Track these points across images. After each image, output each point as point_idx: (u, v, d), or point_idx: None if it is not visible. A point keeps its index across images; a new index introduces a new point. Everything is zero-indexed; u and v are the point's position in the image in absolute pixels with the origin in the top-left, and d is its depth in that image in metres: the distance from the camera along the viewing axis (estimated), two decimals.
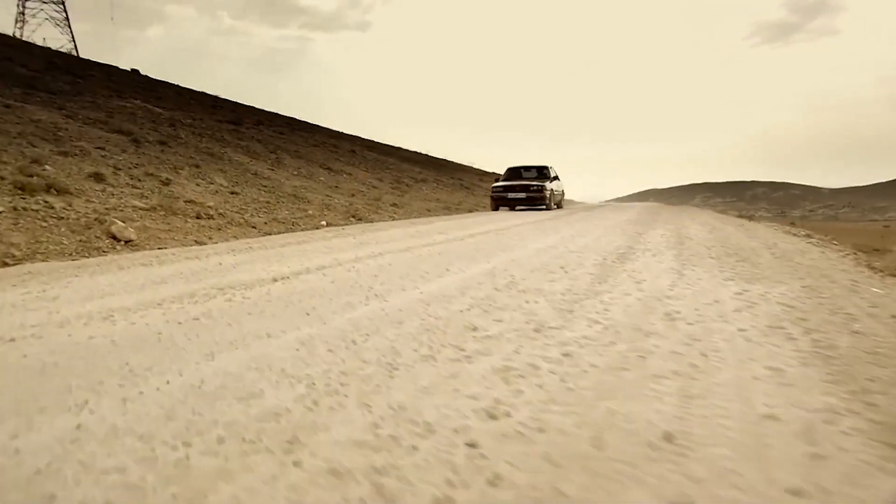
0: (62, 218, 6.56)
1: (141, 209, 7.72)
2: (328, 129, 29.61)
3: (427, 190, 19.91)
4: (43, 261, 5.29)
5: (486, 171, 35.13)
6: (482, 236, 7.19)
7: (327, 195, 12.97)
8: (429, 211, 14.79)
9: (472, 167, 35.48)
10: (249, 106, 26.23)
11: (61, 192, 7.33)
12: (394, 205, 14.10)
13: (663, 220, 11.07)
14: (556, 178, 18.27)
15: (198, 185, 10.14)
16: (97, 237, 6.41)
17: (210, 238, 7.51)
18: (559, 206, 18.58)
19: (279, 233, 8.46)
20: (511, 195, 16.70)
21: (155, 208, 7.89)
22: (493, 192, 17.15)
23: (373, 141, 31.71)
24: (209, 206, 8.73)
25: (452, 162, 36.05)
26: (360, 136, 30.96)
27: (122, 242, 6.49)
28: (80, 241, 6.18)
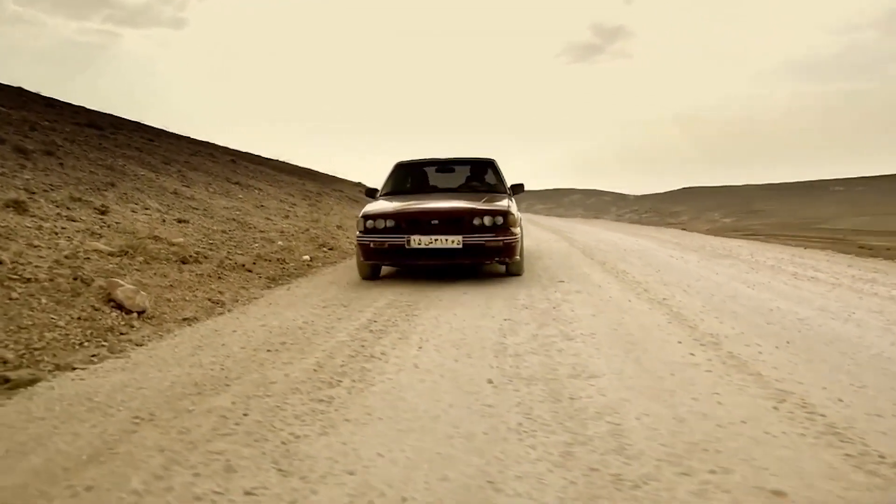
0: (28, 280, 4.25)
1: (109, 254, 5.44)
2: (186, 136, 26.18)
3: (339, 206, 17.92)
4: (65, 368, 3.18)
5: (358, 182, 33.25)
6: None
7: (267, 218, 10.79)
8: None
9: (343, 178, 33.39)
10: (74, 105, 22.25)
11: None
12: (339, 227, 12.16)
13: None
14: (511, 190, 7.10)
15: (134, 211, 7.71)
16: (95, 308, 4.25)
17: (221, 294, 5.47)
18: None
19: (277, 277, 6.50)
20: (418, 240, 5.42)
21: (126, 252, 5.62)
22: (364, 229, 5.79)
23: (237, 150, 28.64)
24: (180, 244, 6.50)
25: (318, 172, 33.77)
26: (215, 143, 27.69)
27: (135, 315, 4.34)
28: (80, 319, 4.01)
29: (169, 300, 4.87)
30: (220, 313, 4.88)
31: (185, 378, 2.95)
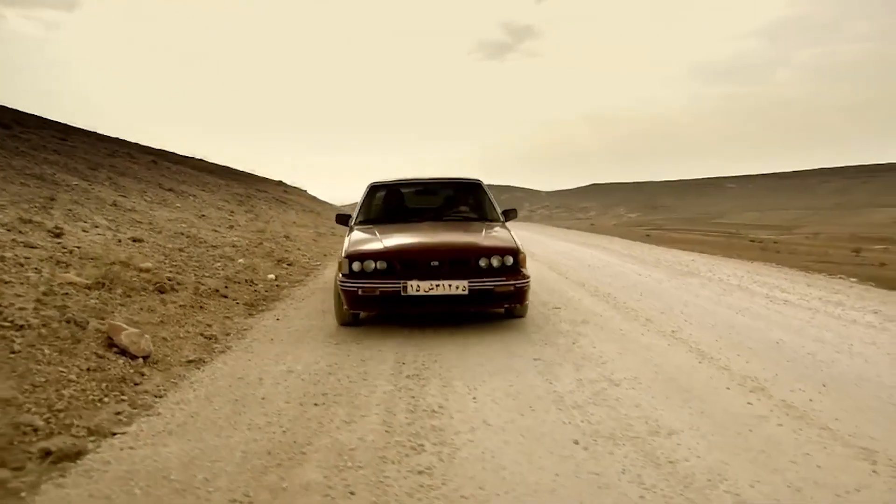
0: (21, 327, 3.97)
1: (86, 287, 5.13)
2: (94, 132, 24.62)
3: (273, 211, 17.43)
4: (100, 432, 3.02)
5: (279, 181, 32.35)
6: None
7: (214, 230, 10.39)
8: (319, 238, 12.73)
9: (263, 177, 32.36)
10: None
11: None
12: (286, 237, 11.85)
13: None
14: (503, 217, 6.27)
15: (86, 231, 7.26)
16: (100, 356, 4.05)
17: (209, 326, 5.28)
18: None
19: (254, 302, 6.35)
20: (416, 286, 4.60)
21: (102, 283, 5.31)
22: (350, 272, 4.77)
23: (150, 147, 27.25)
24: (149, 270, 6.20)
25: (236, 170, 32.63)
26: (125, 139, 26.18)
27: (141, 360, 4.13)
28: (89, 371, 3.80)
29: (165, 339, 4.64)
30: (221, 351, 4.70)
31: (252, 445, 2.84)
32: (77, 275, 5.32)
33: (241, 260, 8.29)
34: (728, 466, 2.42)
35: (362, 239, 5.20)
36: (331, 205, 35.70)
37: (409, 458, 2.66)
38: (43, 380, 3.50)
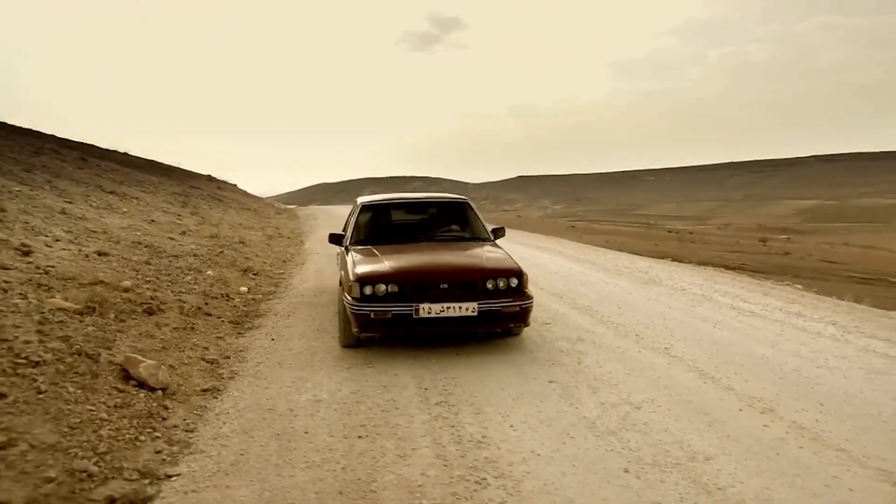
0: (37, 363, 3.92)
1: (78, 313, 5.04)
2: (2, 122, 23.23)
3: (215, 211, 17.02)
4: (153, 475, 3.09)
5: (209, 176, 31.41)
6: None
7: (170, 238, 10.15)
8: (270, 241, 12.54)
9: (192, 172, 31.33)
10: None
11: None
12: (241, 242, 11.66)
13: None
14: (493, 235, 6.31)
15: (49, 246, 7.02)
16: (120, 390, 4.08)
17: (206, 349, 5.29)
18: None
19: (238, 320, 6.39)
20: (427, 308, 4.73)
21: (92, 308, 5.23)
22: (361, 296, 4.81)
23: (68, 140, 25.93)
24: (129, 289, 6.09)
25: (161, 163, 31.47)
26: (40, 130, 24.81)
27: (160, 392, 4.13)
28: (117, 408, 3.82)
29: (173, 367, 4.65)
30: (229, 377, 4.74)
31: (320, 484, 2.96)
32: (64, 299, 5.20)
33: (209, 272, 8.18)
34: (772, 492, 2.74)
35: (366, 261, 5.25)
36: (262, 199, 35.01)
37: (479, 493, 2.85)
38: (77, 420, 3.49)
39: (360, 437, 3.51)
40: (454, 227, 6.28)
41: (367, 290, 4.81)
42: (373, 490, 2.91)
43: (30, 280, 5.39)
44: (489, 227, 6.25)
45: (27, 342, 4.12)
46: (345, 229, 7.26)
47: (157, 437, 3.63)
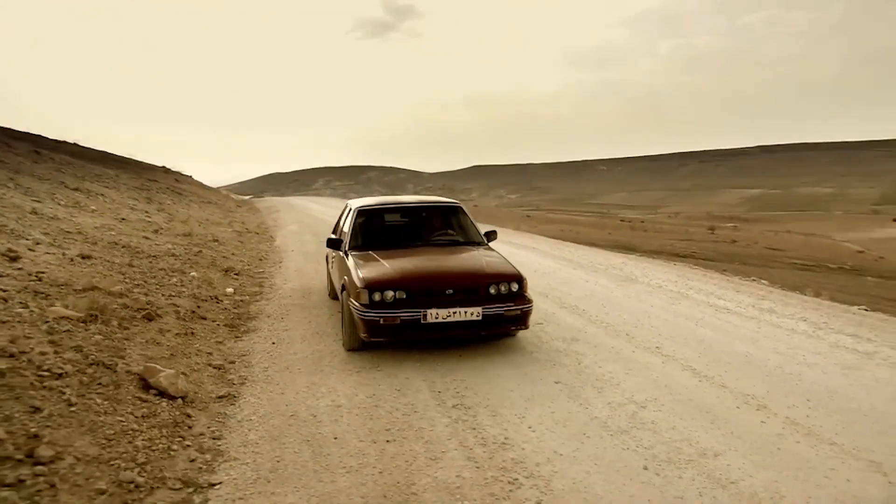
0: (61, 375, 4.02)
1: (81, 321, 5.10)
2: None
3: (179, 206, 16.78)
4: (195, 484, 3.24)
5: (164, 167, 30.74)
6: None
7: (145, 237, 10.07)
8: (241, 238, 12.50)
9: (145, 163, 30.61)
10: None
11: None
12: (215, 240, 11.60)
13: None
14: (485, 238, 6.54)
15: (32, 250, 6.97)
16: (143, 400, 4.20)
17: (210, 354, 5.41)
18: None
19: (232, 323, 6.50)
20: (435, 314, 4.94)
21: (94, 316, 5.30)
22: (370, 302, 4.98)
23: (13, 130, 25.08)
24: (121, 293, 6.13)
25: (113, 154, 30.68)
26: None
27: (179, 400, 4.25)
28: (144, 417, 3.96)
29: (185, 374, 4.74)
30: (240, 383, 4.87)
31: (363, 489, 3.15)
32: (65, 307, 5.24)
33: (193, 273, 8.20)
34: (780, 484, 3.05)
35: (370, 267, 5.37)
36: (220, 191, 34.48)
37: (514, 492, 3.08)
38: (112, 432, 3.60)
39: (387, 441, 3.70)
40: (449, 231, 6.47)
41: (376, 296, 4.98)
42: (413, 493, 3.11)
43: (26, 288, 5.39)
44: (482, 231, 6.46)
45: (43, 353, 4.18)
46: (334, 231, 7.40)
47: (188, 445, 3.75)
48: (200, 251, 9.93)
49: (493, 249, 6.08)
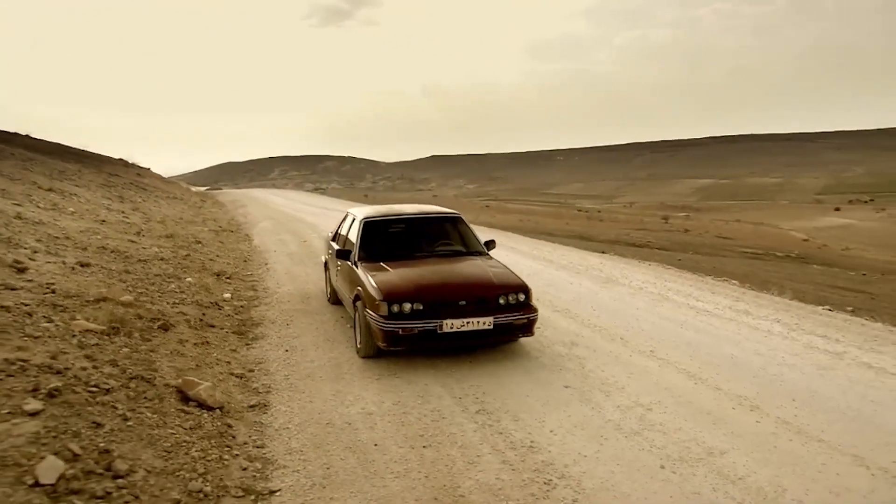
0: (108, 390, 4.24)
1: (104, 334, 5.32)
2: None
3: (150, 203, 16.67)
4: (255, 492, 3.54)
5: (121, 160, 30.24)
6: None
7: (130, 241, 10.15)
8: (220, 237, 12.60)
9: (110, 158, 30.06)
10: None
11: None
12: (198, 241, 11.69)
13: None
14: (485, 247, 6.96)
15: (33, 259, 7.07)
16: (185, 412, 4.47)
17: (229, 363, 5.66)
18: None
19: (240, 330, 6.73)
20: (450, 324, 5.32)
21: (115, 329, 5.50)
22: (389, 314, 5.34)
23: None
24: (132, 304, 6.31)
25: (68, 147, 30.04)
26: None
27: (217, 411, 4.52)
28: (191, 429, 4.23)
29: (214, 385, 4.97)
30: (265, 391, 5.15)
31: (413, 493, 3.50)
32: (86, 320, 5.43)
33: (188, 279, 8.37)
34: (781, 479, 3.51)
35: (385, 279, 5.69)
36: (180, 184, 34.04)
37: (551, 492, 3.48)
38: (168, 444, 3.87)
39: (424, 446, 4.05)
40: (451, 240, 6.86)
41: (395, 308, 5.34)
42: (461, 495, 3.48)
43: (43, 301, 5.55)
44: (482, 240, 6.83)
45: (84, 368, 4.40)
46: (334, 239, 7.71)
47: (237, 454, 4.04)
48: (189, 254, 10.05)
49: (493, 259, 6.46)
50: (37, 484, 2.99)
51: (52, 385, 3.85)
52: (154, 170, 34.34)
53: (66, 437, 3.43)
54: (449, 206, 7.93)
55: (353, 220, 7.00)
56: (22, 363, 4.09)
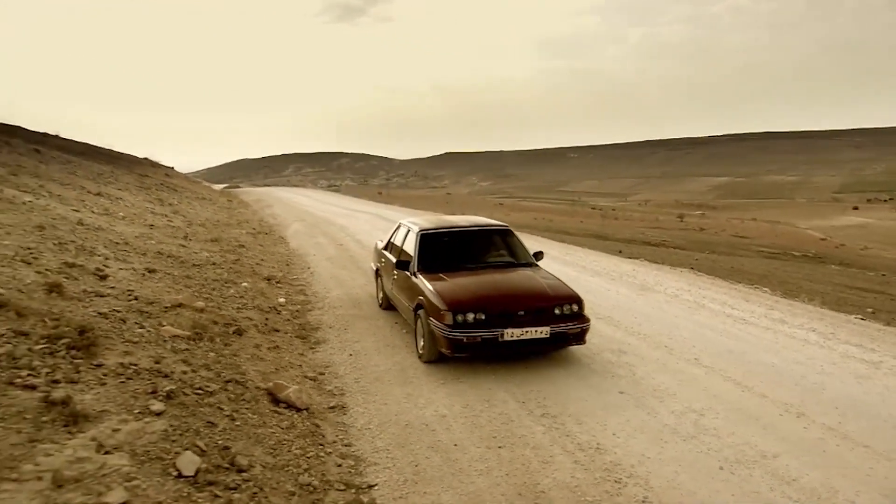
0: (210, 392, 4.69)
1: (190, 339, 5.75)
2: None
3: (183, 205, 17.19)
4: (350, 489, 3.96)
5: (152, 161, 30.91)
6: None
7: (181, 245, 10.62)
8: (258, 240, 13.08)
9: (135, 157, 30.74)
10: None
11: None
12: (241, 245, 12.17)
13: None
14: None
15: (109, 266, 7.52)
16: (279, 413, 4.90)
17: (300, 367, 6.07)
18: None
19: (301, 334, 7.20)
20: (511, 333, 5.76)
21: (199, 334, 5.94)
22: (454, 323, 5.78)
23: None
24: (204, 310, 6.76)
25: (99, 147, 30.71)
26: None
27: (305, 412, 4.96)
28: (288, 429, 4.66)
29: (301, 388, 5.41)
30: (339, 393, 5.59)
31: (499, 489, 3.91)
32: (172, 325, 5.87)
33: (244, 283, 8.84)
34: (832, 481, 3.90)
35: (448, 290, 6.13)
36: (205, 184, 34.66)
37: (624, 489, 3.88)
38: (273, 443, 4.31)
39: (499, 447, 4.47)
40: (503, 252, 7.32)
41: (459, 317, 5.78)
42: (542, 491, 3.89)
43: (130, 307, 6.00)
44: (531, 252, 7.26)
45: (184, 372, 4.84)
46: (387, 248, 8.16)
47: (329, 452, 4.47)
48: (238, 259, 10.52)
49: (543, 269, 6.88)
50: (180, 475, 3.44)
51: (167, 388, 4.31)
52: (177, 169, 35.11)
53: (191, 435, 3.88)
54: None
55: (409, 231, 7.43)
56: (134, 367, 4.56)
